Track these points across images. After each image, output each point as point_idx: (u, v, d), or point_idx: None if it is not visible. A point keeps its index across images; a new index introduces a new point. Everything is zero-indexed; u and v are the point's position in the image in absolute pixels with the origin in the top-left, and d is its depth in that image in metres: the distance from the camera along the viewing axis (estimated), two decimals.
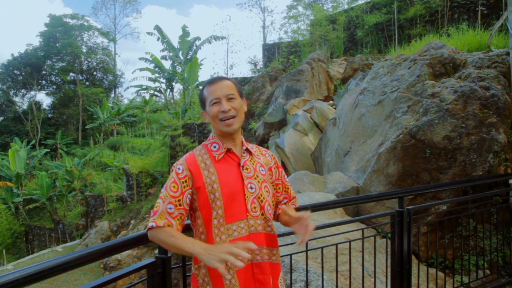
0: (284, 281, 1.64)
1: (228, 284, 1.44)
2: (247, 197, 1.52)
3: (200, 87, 22.83)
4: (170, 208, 1.45)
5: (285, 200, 1.73)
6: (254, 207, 1.53)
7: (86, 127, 27.85)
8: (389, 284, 2.86)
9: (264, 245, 1.53)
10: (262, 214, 1.54)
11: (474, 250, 3.88)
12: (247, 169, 1.57)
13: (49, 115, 33.80)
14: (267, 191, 1.58)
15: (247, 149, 1.62)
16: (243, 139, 1.65)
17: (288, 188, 1.74)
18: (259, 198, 1.55)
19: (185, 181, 1.49)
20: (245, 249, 1.30)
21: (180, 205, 1.46)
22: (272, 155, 1.73)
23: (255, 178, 1.56)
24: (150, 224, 1.44)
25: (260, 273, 1.50)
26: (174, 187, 1.48)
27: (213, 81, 1.59)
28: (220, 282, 1.46)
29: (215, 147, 1.59)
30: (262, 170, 1.61)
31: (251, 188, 1.53)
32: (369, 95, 5.28)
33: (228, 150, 1.58)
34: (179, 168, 1.52)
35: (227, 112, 1.53)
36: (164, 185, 1.50)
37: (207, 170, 1.51)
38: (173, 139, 15.20)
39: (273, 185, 1.67)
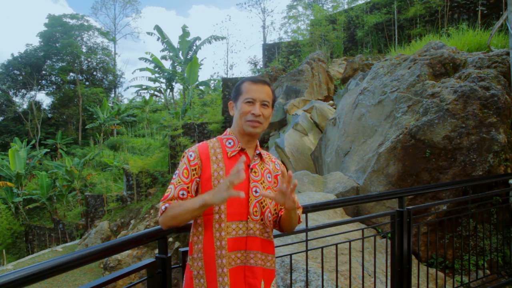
0: (277, 285, 1.63)
1: (221, 281, 1.44)
2: (250, 200, 1.51)
3: (200, 87, 22.92)
4: (183, 194, 1.47)
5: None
6: (256, 211, 1.52)
7: (86, 127, 27.85)
8: (389, 284, 2.86)
9: (259, 250, 1.52)
10: (262, 220, 1.54)
11: (474, 250, 3.88)
12: (255, 172, 1.56)
13: (49, 115, 33.78)
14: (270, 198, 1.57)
15: (259, 154, 1.62)
16: (258, 144, 1.66)
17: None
18: (261, 203, 1.54)
19: (195, 169, 1.51)
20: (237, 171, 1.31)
21: (189, 192, 1.49)
22: (281, 164, 1.72)
23: (261, 183, 1.56)
24: (163, 207, 1.44)
25: (251, 277, 1.50)
26: (186, 173, 1.50)
27: (256, 80, 1.58)
28: (214, 277, 1.46)
29: (230, 143, 1.58)
30: (269, 177, 1.61)
31: (256, 192, 1.53)
32: (369, 95, 5.28)
33: (242, 150, 1.58)
34: (191, 155, 1.53)
35: (256, 117, 1.53)
36: (176, 171, 1.52)
37: (216, 164, 1.52)
38: (173, 139, 15.21)
39: None
